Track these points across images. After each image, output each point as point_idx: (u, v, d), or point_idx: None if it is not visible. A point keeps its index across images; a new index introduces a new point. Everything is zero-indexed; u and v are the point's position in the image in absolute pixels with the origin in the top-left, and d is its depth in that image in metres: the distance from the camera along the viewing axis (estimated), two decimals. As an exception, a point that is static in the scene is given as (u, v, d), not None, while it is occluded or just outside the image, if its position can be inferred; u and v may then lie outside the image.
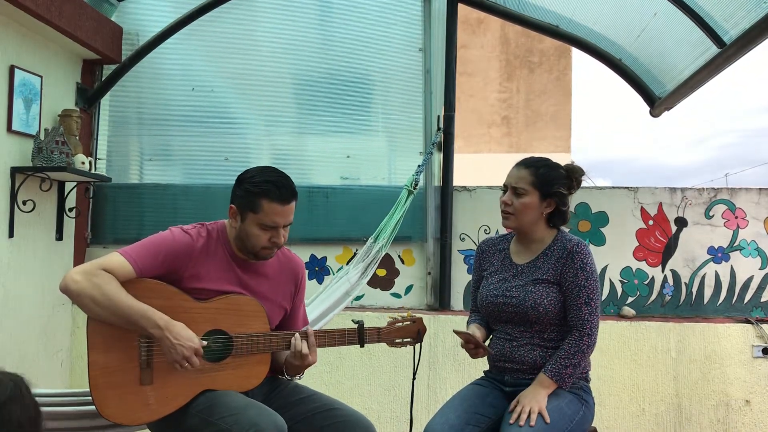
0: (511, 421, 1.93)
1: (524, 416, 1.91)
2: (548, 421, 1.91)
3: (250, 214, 1.97)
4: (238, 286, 2.04)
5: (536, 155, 2.24)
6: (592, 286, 2.04)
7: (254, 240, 1.98)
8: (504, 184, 2.16)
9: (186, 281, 1.97)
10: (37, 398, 2.15)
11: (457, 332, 2.10)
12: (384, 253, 3.06)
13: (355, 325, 2.12)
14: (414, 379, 2.28)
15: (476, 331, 2.16)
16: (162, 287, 1.95)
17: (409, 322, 2.20)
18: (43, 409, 2.12)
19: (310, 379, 2.27)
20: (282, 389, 2.12)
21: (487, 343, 2.19)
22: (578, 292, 2.03)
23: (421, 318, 2.22)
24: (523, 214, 2.10)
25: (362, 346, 2.13)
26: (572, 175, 2.13)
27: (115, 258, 1.89)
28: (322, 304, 2.86)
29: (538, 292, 2.06)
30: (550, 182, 2.09)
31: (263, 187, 1.96)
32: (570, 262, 2.05)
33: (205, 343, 1.91)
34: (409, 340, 2.19)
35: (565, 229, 2.21)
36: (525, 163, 2.14)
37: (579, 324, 2.02)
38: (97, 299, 1.82)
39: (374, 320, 3.45)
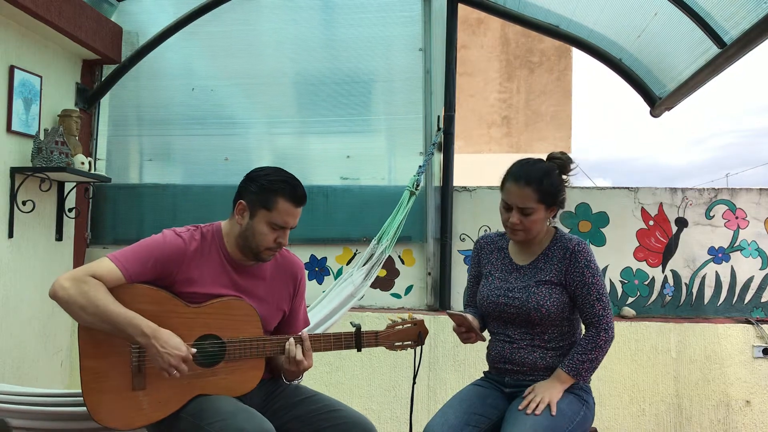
0: (520, 407, 1.94)
1: (533, 405, 1.93)
2: (554, 413, 1.92)
3: (262, 211, 1.96)
4: (232, 289, 2.02)
5: (533, 156, 2.18)
6: (600, 283, 2.05)
7: (260, 239, 1.96)
8: (506, 202, 2.07)
9: (179, 285, 1.95)
10: (36, 398, 2.17)
11: (450, 314, 2.09)
12: (388, 255, 3.06)
13: (353, 329, 2.09)
14: (414, 383, 2.24)
15: (469, 315, 2.14)
16: (153, 292, 1.93)
17: (409, 325, 2.15)
18: (42, 409, 2.14)
19: (310, 380, 2.27)
20: (283, 390, 2.11)
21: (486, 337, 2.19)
22: (588, 290, 2.03)
23: (422, 320, 2.17)
24: (533, 229, 2.07)
25: (359, 350, 2.10)
26: (564, 170, 2.11)
27: (105, 264, 1.88)
28: (328, 305, 2.86)
29: (542, 294, 2.05)
30: (554, 193, 2.06)
31: (280, 185, 1.96)
32: (574, 262, 2.05)
33: (194, 350, 1.90)
34: (409, 343, 2.14)
35: (564, 229, 2.21)
36: (525, 179, 2.03)
37: (595, 321, 2.03)
38: (85, 307, 1.82)
39: (374, 321, 3.45)
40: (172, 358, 1.82)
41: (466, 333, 2.11)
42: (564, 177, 2.11)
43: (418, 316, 2.18)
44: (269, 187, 1.96)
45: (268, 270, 2.11)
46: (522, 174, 2.05)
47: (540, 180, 2.03)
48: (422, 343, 2.16)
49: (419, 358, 2.18)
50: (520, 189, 2.03)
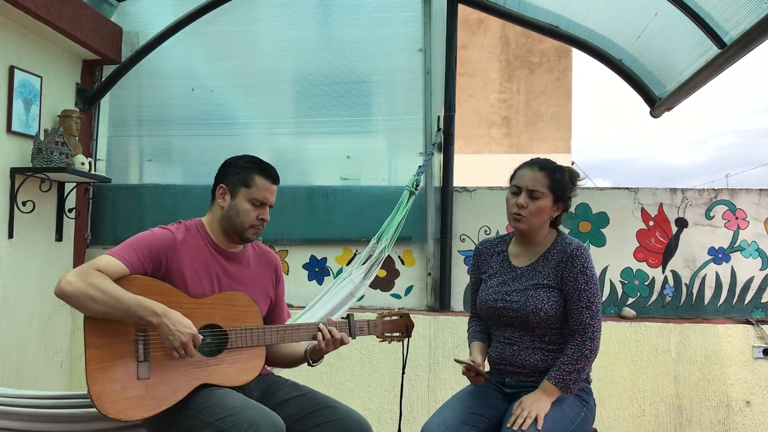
0: (508, 425, 1.92)
1: (520, 421, 1.90)
2: (540, 426, 1.89)
3: (242, 189, 2.09)
4: (223, 275, 2.09)
5: (539, 156, 2.22)
6: (593, 290, 2.02)
7: (244, 216, 2.08)
8: (515, 185, 2.09)
9: (174, 273, 2.01)
10: (36, 400, 2.17)
11: (458, 361, 2.10)
12: (387, 254, 3.06)
13: (345, 319, 2.18)
14: (403, 373, 2.34)
15: (478, 356, 2.13)
16: (156, 284, 1.97)
17: (396, 317, 2.29)
18: (42, 411, 2.14)
19: (310, 380, 2.28)
20: (279, 387, 2.13)
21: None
22: (578, 297, 2.01)
23: (407, 313, 2.32)
24: (537, 218, 2.07)
25: (353, 337, 2.17)
26: (573, 180, 2.15)
27: (106, 258, 1.94)
28: (327, 305, 2.87)
29: (539, 297, 2.05)
30: (564, 187, 2.09)
31: (255, 164, 2.13)
32: (570, 266, 2.04)
33: (200, 338, 1.93)
34: (398, 334, 2.28)
35: (564, 230, 2.21)
36: (539, 165, 2.08)
37: (581, 329, 2.00)
38: (95, 296, 1.85)
39: (374, 321, 3.44)
40: (183, 335, 1.86)
41: (475, 376, 2.09)
42: (573, 186, 2.15)
43: (418, 317, 2.23)
44: (245, 167, 2.12)
45: (251, 258, 2.21)
46: (536, 162, 2.12)
47: (553, 170, 2.09)
48: (410, 335, 2.29)
49: (407, 350, 2.30)
50: (533, 172, 2.08)
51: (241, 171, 2.11)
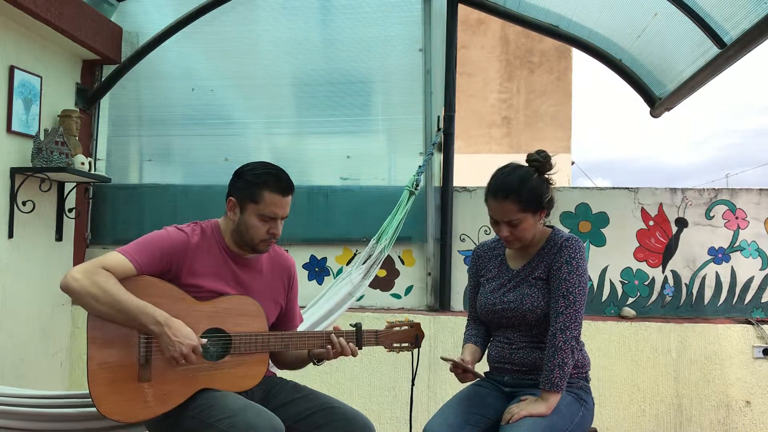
0: (502, 423, 1.94)
1: (506, 416, 1.93)
2: (513, 420, 1.91)
3: (250, 204, 2.02)
4: (233, 282, 2.07)
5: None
6: (575, 281, 1.98)
7: (253, 231, 2.02)
8: (492, 218, 2.05)
9: (184, 277, 1.99)
10: (36, 400, 2.17)
11: (444, 358, 2.09)
12: (387, 254, 3.06)
13: (353, 328, 2.13)
14: (413, 385, 2.28)
15: (467, 356, 2.13)
16: (162, 285, 1.96)
17: (406, 327, 2.20)
18: (42, 410, 2.14)
19: (310, 380, 2.28)
20: (281, 388, 2.13)
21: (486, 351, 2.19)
22: (558, 285, 1.99)
23: (419, 323, 2.22)
24: (526, 236, 2.05)
25: (360, 348, 2.13)
26: (543, 168, 2.04)
27: (115, 256, 1.92)
28: (326, 305, 2.87)
29: (534, 295, 2.04)
30: (536, 197, 2.01)
31: (264, 178, 2.02)
32: (558, 256, 2.03)
33: (204, 341, 1.92)
34: (407, 345, 2.20)
35: (564, 229, 2.20)
36: (503, 192, 1.99)
37: (553, 318, 1.98)
38: (98, 297, 1.84)
39: (374, 321, 3.45)
40: (183, 346, 1.85)
41: (462, 373, 2.08)
42: (546, 177, 2.06)
43: (418, 317, 2.21)
44: (254, 181, 2.02)
45: (264, 264, 2.17)
46: (498, 187, 2.01)
47: (517, 190, 1.98)
48: (419, 346, 2.21)
49: (417, 361, 2.23)
50: (499, 204, 2.00)
51: (250, 185, 2.02)
